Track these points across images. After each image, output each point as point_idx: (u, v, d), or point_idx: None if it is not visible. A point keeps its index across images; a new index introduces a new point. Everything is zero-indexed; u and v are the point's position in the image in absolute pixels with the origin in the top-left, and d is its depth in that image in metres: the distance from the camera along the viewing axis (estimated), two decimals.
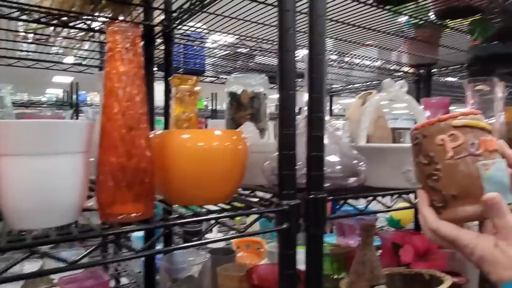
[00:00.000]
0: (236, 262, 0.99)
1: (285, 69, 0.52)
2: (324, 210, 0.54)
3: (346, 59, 1.59)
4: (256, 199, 0.63)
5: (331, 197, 0.58)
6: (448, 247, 0.47)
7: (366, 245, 0.76)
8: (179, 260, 0.92)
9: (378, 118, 0.95)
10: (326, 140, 0.65)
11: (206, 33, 1.30)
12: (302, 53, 0.66)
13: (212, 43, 1.39)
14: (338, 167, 0.62)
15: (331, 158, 0.64)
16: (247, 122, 0.79)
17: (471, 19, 1.02)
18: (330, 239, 1.50)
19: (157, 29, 1.05)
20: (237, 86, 0.90)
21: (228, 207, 0.58)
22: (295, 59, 0.52)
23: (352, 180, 0.63)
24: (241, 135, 0.58)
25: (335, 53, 1.52)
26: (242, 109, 0.88)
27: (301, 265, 0.54)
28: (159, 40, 1.07)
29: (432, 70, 1.77)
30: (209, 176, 0.54)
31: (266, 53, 1.34)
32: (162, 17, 1.06)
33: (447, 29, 1.20)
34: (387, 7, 0.90)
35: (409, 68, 1.72)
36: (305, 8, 0.56)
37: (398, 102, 0.76)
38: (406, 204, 0.72)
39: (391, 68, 1.76)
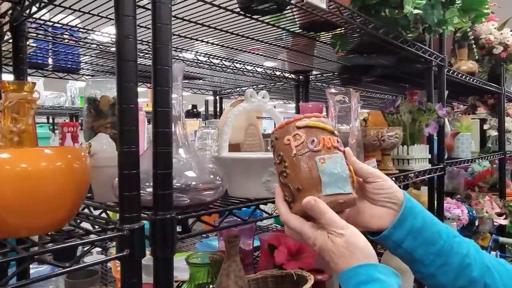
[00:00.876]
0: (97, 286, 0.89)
1: (124, 79, 0.47)
2: (174, 231, 0.51)
3: (237, 65, 1.60)
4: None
5: (184, 215, 0.55)
6: (299, 240, 0.51)
7: (231, 256, 0.76)
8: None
9: (249, 126, 0.96)
10: (183, 154, 0.62)
11: (80, 29, 1.16)
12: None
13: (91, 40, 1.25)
14: (194, 182, 0.59)
15: (189, 173, 0.61)
16: (100, 133, 0.72)
17: (333, 33, 1.11)
18: (215, 243, 1.50)
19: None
20: (96, 91, 0.81)
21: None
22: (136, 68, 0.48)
23: (210, 193, 0.61)
24: (79, 152, 0.52)
25: (225, 59, 1.52)
26: (102, 117, 0.80)
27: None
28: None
29: (310, 77, 1.91)
30: (36, 203, 0.46)
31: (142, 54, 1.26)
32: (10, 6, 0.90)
33: (318, 42, 1.29)
34: (255, 16, 0.91)
35: (289, 74, 1.82)
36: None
37: (262, 111, 0.77)
38: None
39: (276, 73, 1.84)
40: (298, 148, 0.50)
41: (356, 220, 0.54)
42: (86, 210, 0.66)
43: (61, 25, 1.09)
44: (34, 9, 0.86)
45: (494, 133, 2.21)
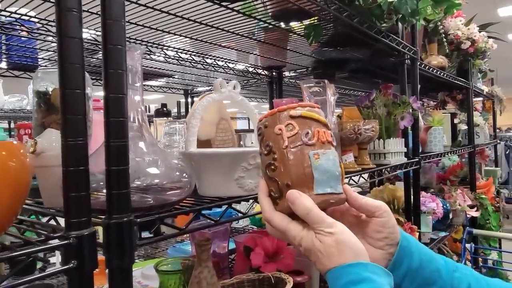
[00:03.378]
0: None
1: (66, 62, 0.40)
2: (132, 236, 0.44)
3: (209, 60, 1.53)
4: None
5: (144, 218, 0.48)
6: (283, 239, 0.47)
7: (202, 261, 0.69)
8: None
9: (221, 120, 0.90)
10: (144, 148, 0.55)
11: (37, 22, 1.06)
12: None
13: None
14: (157, 180, 0.52)
15: (151, 170, 0.54)
16: (49, 129, 0.64)
17: (306, 24, 1.07)
18: (189, 248, 1.42)
19: None
20: (47, 83, 0.72)
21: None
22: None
23: (176, 192, 0.55)
24: (16, 149, 0.44)
25: (195, 53, 1.44)
26: (54, 112, 0.71)
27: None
28: None
29: (284, 73, 1.87)
30: None
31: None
32: None
33: (293, 34, 1.24)
34: (224, 3, 0.85)
35: (262, 70, 1.77)
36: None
37: (232, 103, 0.71)
38: None
39: (249, 70, 1.78)
40: (291, 140, 0.45)
41: None
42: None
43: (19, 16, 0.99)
44: None
45: (464, 127, 2.25)
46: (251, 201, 0.62)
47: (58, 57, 0.40)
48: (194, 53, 1.44)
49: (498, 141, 4.42)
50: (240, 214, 0.65)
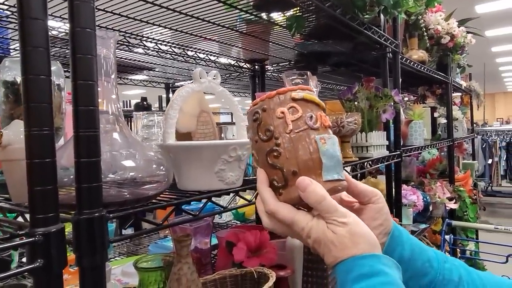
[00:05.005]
0: None
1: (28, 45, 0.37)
2: (104, 232, 0.42)
3: (190, 53, 1.50)
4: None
5: (117, 213, 0.45)
6: (286, 233, 0.43)
7: (181, 258, 0.67)
8: None
9: (201, 113, 0.87)
10: (120, 141, 0.52)
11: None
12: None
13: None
14: (133, 173, 0.50)
15: (126, 162, 0.52)
16: (16, 120, 0.60)
17: (289, 15, 1.05)
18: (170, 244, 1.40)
19: None
20: (15, 72, 0.68)
21: None
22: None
23: (153, 186, 0.52)
24: None
25: (175, 45, 1.40)
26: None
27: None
28: None
29: (266, 66, 1.85)
30: None
31: None
32: None
33: (275, 26, 1.22)
34: None
35: (244, 63, 1.75)
36: None
37: (213, 94, 0.68)
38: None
39: (232, 63, 1.75)
40: (295, 124, 0.41)
41: None
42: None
43: None
44: None
45: (443, 120, 2.29)
46: (231, 194, 0.60)
47: (19, 41, 0.37)
48: (174, 45, 1.40)
49: (476, 135, 4.54)
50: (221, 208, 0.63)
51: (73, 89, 0.40)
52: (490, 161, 5.78)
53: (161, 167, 0.52)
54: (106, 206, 0.43)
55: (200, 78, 0.65)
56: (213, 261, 1.23)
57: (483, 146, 5.79)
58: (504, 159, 5.75)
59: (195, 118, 0.86)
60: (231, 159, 0.60)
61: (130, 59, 1.51)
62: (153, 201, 0.52)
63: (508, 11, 5.23)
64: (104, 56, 0.55)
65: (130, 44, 1.30)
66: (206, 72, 0.67)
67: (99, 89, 0.42)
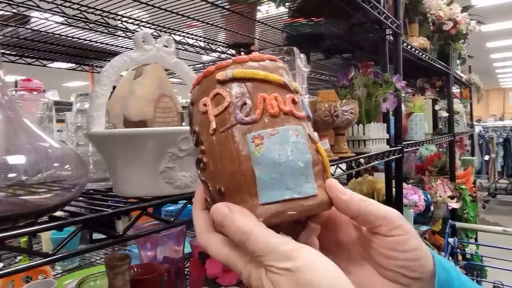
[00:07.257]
0: None
1: None
2: None
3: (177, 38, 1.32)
4: None
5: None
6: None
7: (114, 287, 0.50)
8: None
9: (161, 97, 0.70)
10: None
11: None
12: None
13: None
14: (14, 174, 0.33)
15: (14, 158, 0.34)
16: None
17: None
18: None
19: None
20: None
21: None
22: None
23: (55, 194, 0.35)
24: None
25: (149, 26, 1.22)
26: None
27: None
28: None
29: (253, 52, 1.68)
30: None
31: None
32: None
33: (260, 4, 1.05)
34: None
35: (227, 48, 1.57)
36: None
37: (165, 66, 0.51)
38: None
39: (213, 47, 1.58)
40: (220, 119, 0.27)
41: None
42: None
43: None
44: None
45: (444, 114, 2.14)
46: (183, 202, 0.43)
47: None
48: (154, 25, 1.22)
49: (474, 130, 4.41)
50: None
51: None
52: (487, 157, 5.67)
53: (66, 166, 0.35)
54: None
55: (144, 44, 0.48)
56: (186, 273, 1.06)
57: (480, 142, 5.68)
58: (501, 155, 5.64)
59: (153, 103, 0.69)
60: (183, 154, 0.43)
61: (107, 44, 1.32)
62: (55, 214, 0.35)
63: (504, 5, 5.10)
64: None
65: (110, 26, 1.11)
66: (155, 38, 0.50)
67: None
